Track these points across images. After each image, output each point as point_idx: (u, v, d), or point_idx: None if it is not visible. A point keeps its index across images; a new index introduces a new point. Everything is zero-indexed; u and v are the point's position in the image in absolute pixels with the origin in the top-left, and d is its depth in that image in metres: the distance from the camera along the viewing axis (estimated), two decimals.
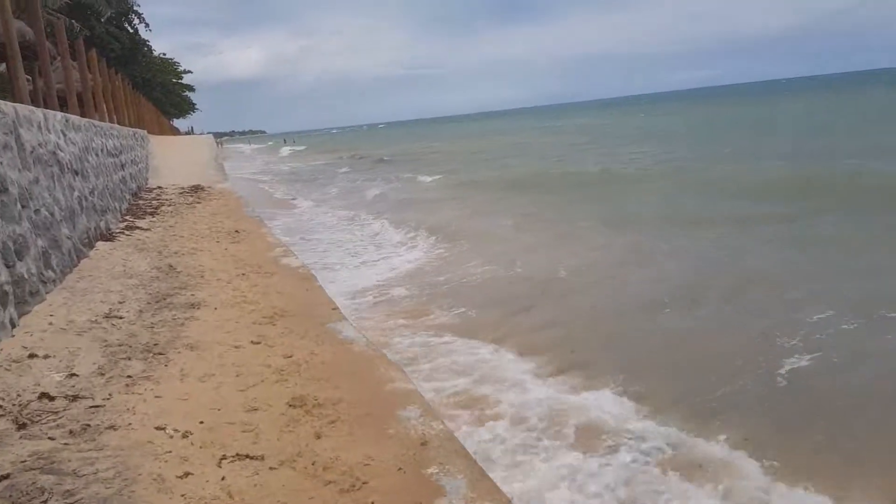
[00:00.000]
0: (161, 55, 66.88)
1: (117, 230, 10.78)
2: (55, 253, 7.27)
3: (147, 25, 49.43)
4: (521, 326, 7.53)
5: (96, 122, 13.27)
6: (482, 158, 35.21)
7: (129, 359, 4.94)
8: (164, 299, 6.72)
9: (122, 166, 15.60)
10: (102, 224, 10.32)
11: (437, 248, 11.03)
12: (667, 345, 6.79)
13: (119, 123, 22.93)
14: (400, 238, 12.42)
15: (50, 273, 6.89)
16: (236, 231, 11.25)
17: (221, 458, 3.47)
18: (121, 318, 6.00)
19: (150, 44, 57.33)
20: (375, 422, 4.04)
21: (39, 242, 6.86)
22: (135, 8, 48.30)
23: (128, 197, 14.81)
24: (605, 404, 5.49)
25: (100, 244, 9.40)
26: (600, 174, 21.27)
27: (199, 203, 15.37)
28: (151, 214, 13.07)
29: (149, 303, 6.57)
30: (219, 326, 5.88)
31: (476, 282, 9.00)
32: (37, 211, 7.11)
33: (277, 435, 3.81)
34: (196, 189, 18.62)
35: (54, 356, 4.90)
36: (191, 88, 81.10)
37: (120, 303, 6.50)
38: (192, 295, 6.92)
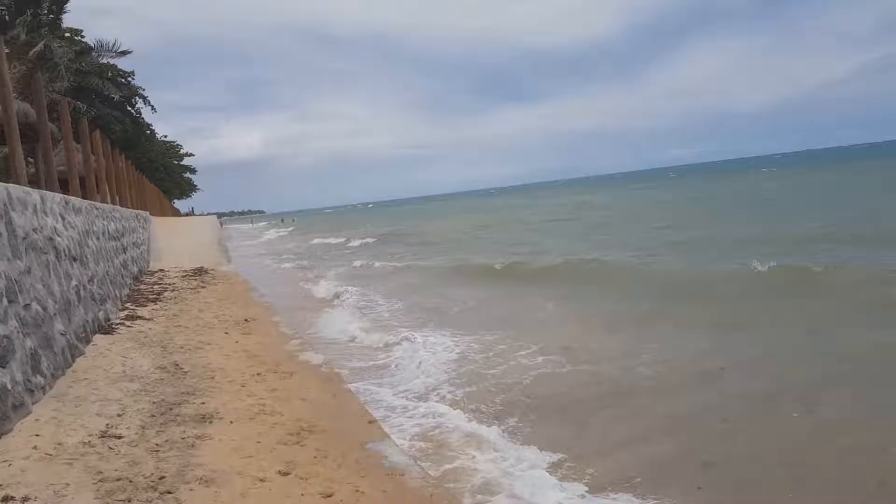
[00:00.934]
0: (163, 138, 67.26)
1: (117, 320, 9.75)
2: (46, 354, 6.25)
3: (153, 108, 49.59)
4: (598, 440, 6.04)
5: (98, 204, 12.45)
6: (483, 238, 34.09)
7: (130, 503, 3.87)
8: (171, 410, 5.67)
9: (125, 249, 14.72)
10: (101, 314, 9.31)
11: (471, 337, 9.91)
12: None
13: (121, 205, 22.22)
14: (424, 325, 11.22)
15: (39, 379, 5.85)
16: (245, 320, 10.24)
17: None
18: (120, 437, 4.94)
19: (153, 127, 57.60)
20: None
21: (28, 343, 5.86)
22: (140, 91, 48.55)
23: (129, 282, 13.84)
24: None
25: (98, 338, 8.37)
26: (614, 262, 19.58)
27: (203, 287, 14.40)
28: (154, 301, 12.07)
29: (153, 415, 5.52)
30: (237, 448, 4.82)
31: (533, 377, 7.78)
32: (27, 306, 6.13)
33: None
34: (199, 272, 17.69)
35: (35, 498, 3.83)
36: (192, 170, 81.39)
37: (119, 415, 5.45)
38: (203, 403, 5.87)
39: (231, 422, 5.40)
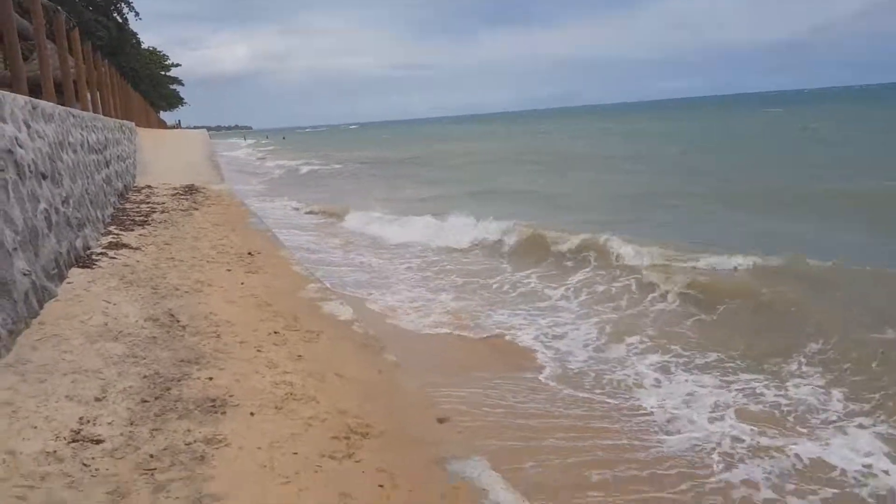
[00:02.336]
0: (150, 48, 63.34)
1: (98, 249, 8.09)
2: (1, 304, 4.64)
3: (137, 14, 46.10)
4: None
5: (75, 112, 10.54)
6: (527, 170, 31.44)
7: None
8: (168, 390, 4.12)
9: (108, 163, 12.87)
10: (79, 243, 7.63)
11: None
12: None
13: (105, 114, 20.07)
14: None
15: None
16: (249, 253, 8.61)
17: None
18: (98, 441, 3.41)
19: (138, 35, 53.95)
20: None
21: None
22: None
23: (113, 200, 12.07)
24: None
25: (75, 273, 6.74)
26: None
27: (196, 209, 12.66)
28: (141, 225, 10.36)
29: (144, 399, 3.96)
30: (265, 464, 3.30)
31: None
32: None
33: None
34: (190, 190, 15.89)
35: None
36: (179, 82, 77.59)
37: (98, 399, 3.89)
38: (210, 379, 4.32)
39: (252, 413, 3.87)
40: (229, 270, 7.59)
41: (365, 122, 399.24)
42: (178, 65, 72.64)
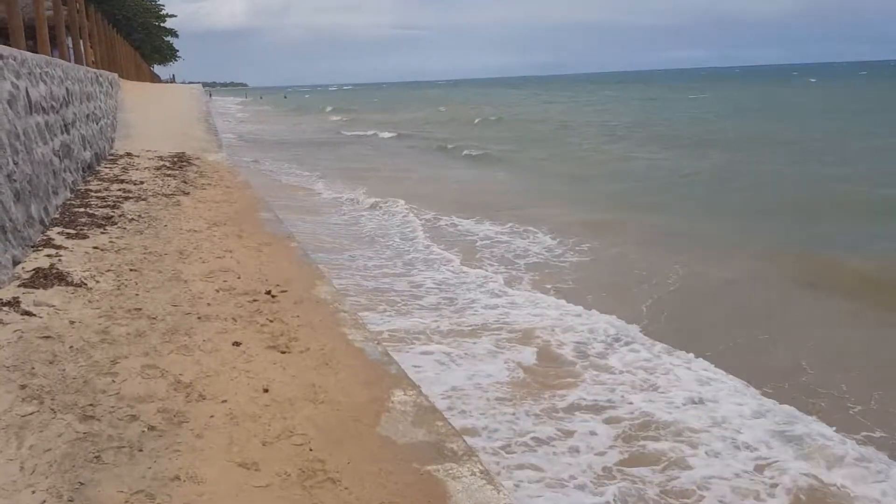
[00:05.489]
0: None
1: (12, 288, 4.61)
2: None
3: None
4: None
5: (4, 50, 6.90)
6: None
7: None
8: None
9: (67, 126, 9.28)
10: None
11: None
12: None
13: (86, 63, 16.40)
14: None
15: None
16: (269, 293, 5.13)
17: None
18: None
19: None
20: None
21: None
22: None
23: (71, 179, 8.53)
24: None
25: None
26: None
27: (186, 194, 9.13)
28: (103, 224, 6.84)
29: None
30: None
31: None
32: None
33: None
34: (180, 161, 12.33)
35: None
36: (174, 34, 72.60)
37: None
38: None
39: None
40: (237, 344, 4.12)
41: (367, 83, 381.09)
42: (173, 15, 67.66)
